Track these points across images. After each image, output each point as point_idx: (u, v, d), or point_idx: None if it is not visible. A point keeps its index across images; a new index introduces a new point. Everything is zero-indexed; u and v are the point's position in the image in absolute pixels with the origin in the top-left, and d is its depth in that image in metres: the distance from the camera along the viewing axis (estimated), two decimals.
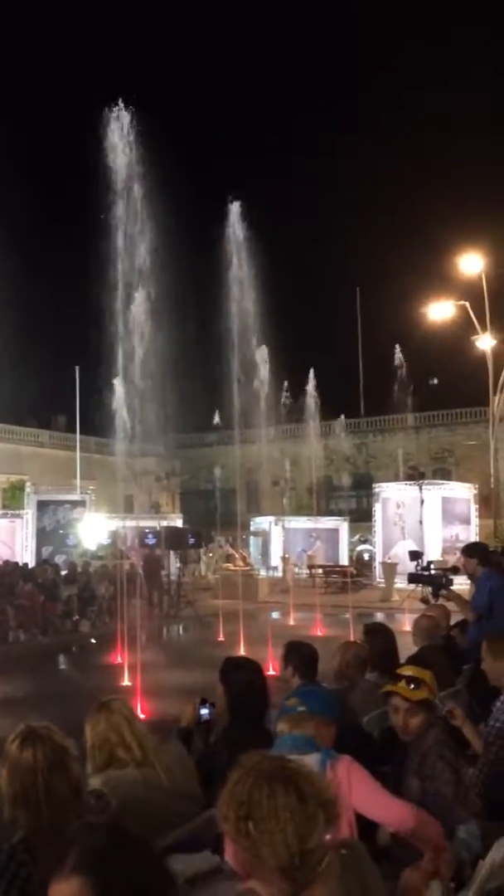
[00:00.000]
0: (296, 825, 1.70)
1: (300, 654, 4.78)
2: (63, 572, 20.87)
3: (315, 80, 68.63)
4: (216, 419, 42.28)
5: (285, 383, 39.92)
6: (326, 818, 1.77)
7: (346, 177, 56.59)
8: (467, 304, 23.97)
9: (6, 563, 20.96)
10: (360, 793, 2.78)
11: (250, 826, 1.71)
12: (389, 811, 2.83)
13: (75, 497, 27.31)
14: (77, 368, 31.91)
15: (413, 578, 8.65)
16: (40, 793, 2.48)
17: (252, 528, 31.68)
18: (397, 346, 41.95)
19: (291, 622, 18.35)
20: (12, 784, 2.51)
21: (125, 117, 20.61)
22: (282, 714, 3.22)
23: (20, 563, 21.56)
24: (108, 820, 1.68)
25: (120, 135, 20.68)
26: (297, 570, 27.02)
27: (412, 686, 3.54)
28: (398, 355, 43.56)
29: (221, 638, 15.11)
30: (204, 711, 3.92)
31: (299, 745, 2.77)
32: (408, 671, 3.72)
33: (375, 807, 2.82)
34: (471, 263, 24.39)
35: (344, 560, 28.74)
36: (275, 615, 20.45)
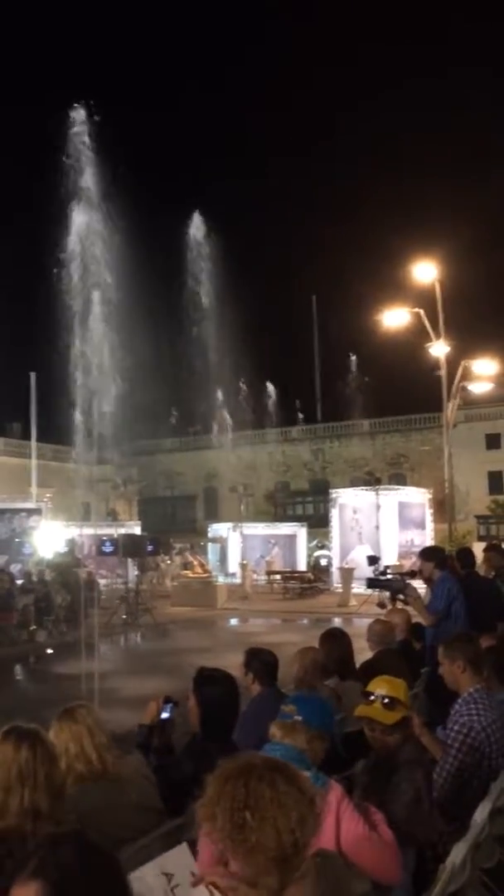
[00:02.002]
0: (298, 812, 1.71)
1: (260, 661, 4.80)
2: (19, 581, 20.55)
3: (264, 84, 69.00)
4: (173, 424, 42.17)
5: (243, 389, 40.05)
6: (315, 815, 1.79)
7: (305, 184, 57.02)
8: (421, 311, 24.31)
9: None
10: (349, 834, 2.62)
11: (247, 816, 1.69)
12: (378, 862, 2.65)
13: (31, 505, 26.93)
14: (33, 375, 31.47)
15: (372, 583, 8.71)
16: (29, 788, 2.55)
17: (210, 535, 31.62)
18: (352, 353, 42.41)
19: (250, 628, 18.36)
20: (2, 773, 2.58)
21: (83, 121, 20.55)
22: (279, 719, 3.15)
23: None
24: (74, 830, 1.66)
25: (81, 139, 20.62)
26: (255, 576, 27.04)
27: (388, 706, 3.39)
28: (354, 362, 43.98)
29: (180, 645, 15.04)
30: (165, 714, 3.89)
31: (290, 758, 2.57)
32: (382, 687, 3.49)
33: (363, 854, 2.62)
34: (425, 271, 24.76)
35: (302, 566, 28.84)
36: (233, 622, 20.45)
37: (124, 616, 19.49)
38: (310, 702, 3.27)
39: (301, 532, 30.69)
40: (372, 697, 3.47)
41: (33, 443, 32.77)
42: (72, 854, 1.48)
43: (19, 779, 2.59)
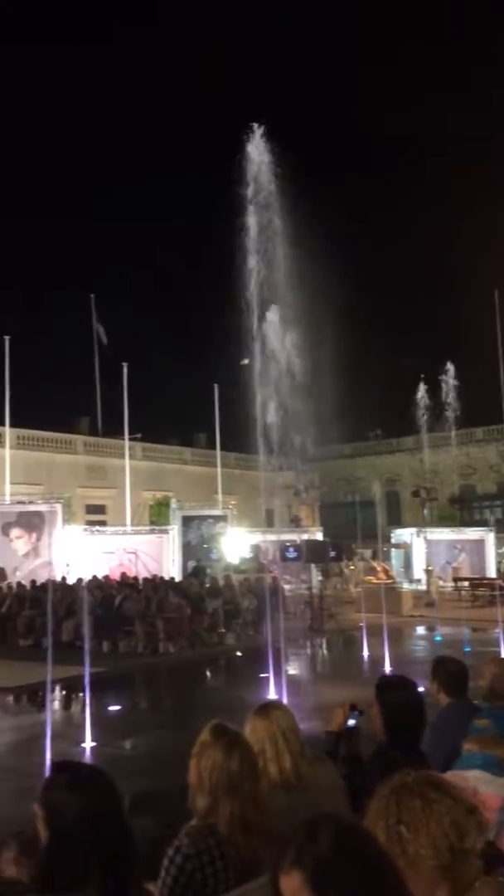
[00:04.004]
0: (451, 819, 1.71)
1: (447, 671, 4.67)
2: (206, 586, 21.40)
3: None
4: (353, 429, 42.05)
5: (423, 392, 39.16)
6: (477, 822, 1.77)
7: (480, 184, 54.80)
8: None
9: (154, 577, 21.76)
10: None
11: (402, 830, 1.72)
12: None
13: (217, 512, 27.94)
14: (216, 387, 32.71)
15: None
16: (239, 800, 2.61)
17: (393, 540, 31.18)
18: None
19: (438, 637, 17.87)
20: (210, 777, 2.65)
21: (260, 141, 21.10)
22: (471, 733, 3.07)
23: (167, 578, 22.34)
24: (328, 814, 1.74)
25: (257, 158, 21.21)
26: (441, 583, 26.31)
27: None
28: None
29: (366, 652, 14.94)
30: (351, 721, 3.89)
31: (490, 764, 2.53)
32: None
33: None
34: None
35: (491, 572, 27.69)
36: (420, 629, 20.01)
37: (309, 621, 19.68)
38: None
39: (489, 537, 29.48)
40: None
41: (218, 452, 33.99)
42: (328, 840, 1.54)
43: (229, 789, 2.62)
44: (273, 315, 27.33)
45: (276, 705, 3.36)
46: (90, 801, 2.19)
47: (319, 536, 28.98)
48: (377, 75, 65.74)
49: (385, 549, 30.86)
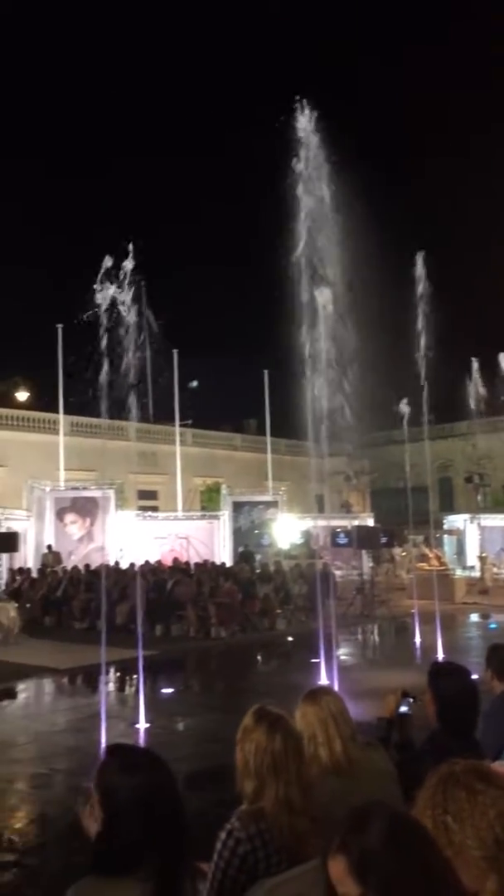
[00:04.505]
0: (498, 810, 1.71)
1: (501, 658, 4.62)
2: (257, 571, 21.50)
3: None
4: (405, 416, 41.60)
5: (475, 374, 38.46)
6: None
7: None
8: None
9: (206, 562, 21.96)
10: None
11: (448, 820, 1.72)
12: None
13: (268, 498, 28.00)
14: (266, 372, 32.68)
15: None
16: (283, 781, 2.62)
17: (446, 527, 30.82)
18: None
19: (492, 624, 17.64)
20: (255, 759, 2.67)
21: (308, 117, 20.96)
22: None
23: (218, 563, 22.51)
24: (379, 802, 1.76)
25: (307, 134, 21.05)
26: (495, 570, 25.93)
27: None
28: None
29: (418, 639, 14.84)
30: (403, 708, 3.88)
31: None
32: None
33: None
34: None
35: None
36: (473, 617, 19.78)
37: (360, 607, 19.62)
38: None
39: None
40: None
41: (268, 438, 34.00)
42: (376, 829, 1.57)
43: (273, 770, 2.64)
44: (324, 298, 27.12)
45: (325, 690, 3.36)
46: (144, 783, 2.23)
47: (370, 522, 28.81)
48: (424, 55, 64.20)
49: (437, 535, 30.53)
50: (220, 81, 65.83)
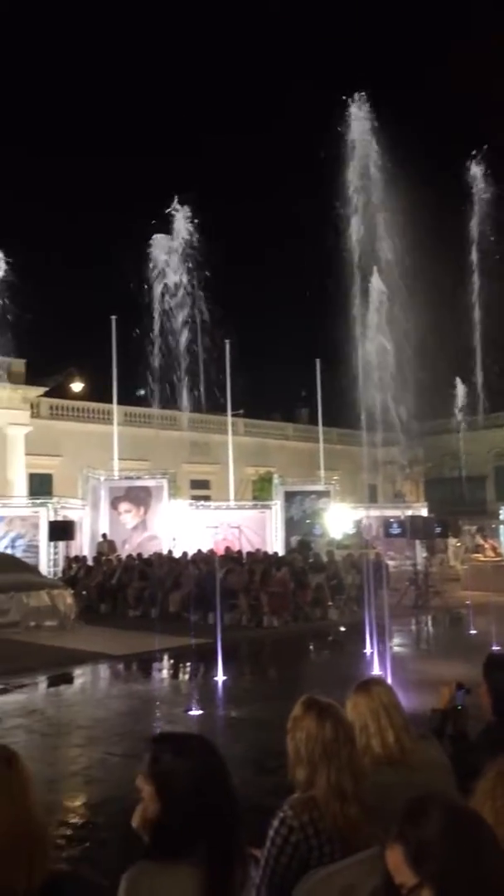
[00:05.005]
0: None
1: None
2: (309, 561, 21.48)
3: None
4: (461, 404, 40.89)
5: None
6: None
7: None
8: None
9: (257, 551, 22.03)
10: None
11: None
12: None
13: (320, 487, 27.92)
14: (318, 361, 32.55)
15: None
16: (335, 768, 2.64)
17: (502, 517, 30.29)
18: None
19: None
20: (306, 747, 2.70)
21: (362, 109, 20.72)
22: None
23: (270, 552, 22.56)
24: (439, 794, 1.77)
25: (359, 126, 20.87)
26: None
27: None
28: None
29: (473, 631, 14.65)
30: (458, 700, 3.84)
31: None
32: None
33: None
34: None
35: None
36: None
37: (414, 598, 19.45)
38: None
39: None
40: None
41: (320, 427, 33.87)
42: (433, 820, 1.59)
43: (324, 757, 2.66)
44: (376, 286, 26.80)
45: (377, 681, 3.35)
46: (198, 766, 2.26)
47: (424, 512, 28.50)
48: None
49: (493, 525, 30.04)
50: (271, 70, 65.43)
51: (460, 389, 39.56)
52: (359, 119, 21.31)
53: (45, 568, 21.21)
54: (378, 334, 28.93)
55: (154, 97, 62.47)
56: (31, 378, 30.53)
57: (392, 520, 23.64)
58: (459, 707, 3.82)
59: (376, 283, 28.48)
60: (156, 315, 29.18)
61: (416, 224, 24.40)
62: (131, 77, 64.54)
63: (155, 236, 27.64)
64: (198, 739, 2.45)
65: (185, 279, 28.65)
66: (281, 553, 22.88)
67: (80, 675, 12.28)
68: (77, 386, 37.61)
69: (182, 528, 24.22)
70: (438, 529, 22.82)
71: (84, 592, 19.34)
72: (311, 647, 15.34)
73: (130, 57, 63.39)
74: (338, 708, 2.84)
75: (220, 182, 63.00)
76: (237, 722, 9.09)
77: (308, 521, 26.38)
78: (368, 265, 27.03)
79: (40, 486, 28.73)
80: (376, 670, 10.67)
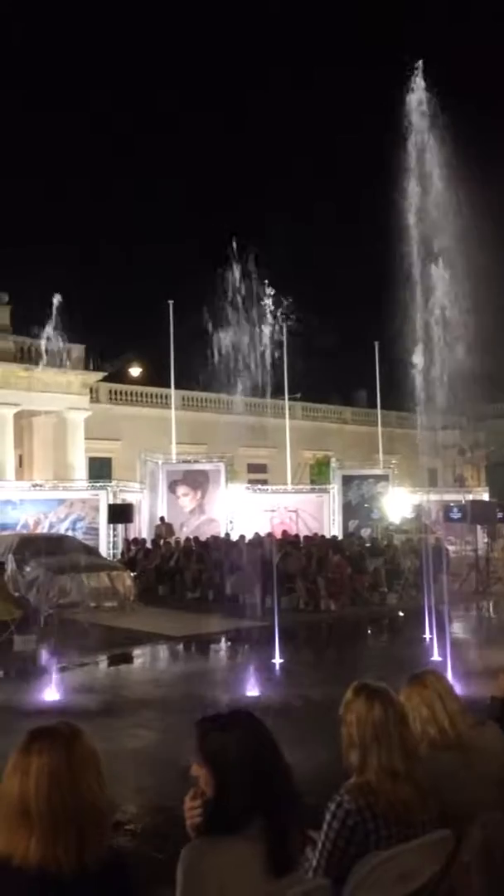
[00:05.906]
0: None
1: None
2: (367, 545, 21.35)
3: None
4: None
5: None
6: None
7: None
8: None
9: (315, 535, 21.98)
10: None
11: None
12: None
13: (378, 472, 27.67)
14: (376, 344, 32.15)
15: None
16: (385, 748, 2.66)
17: None
18: None
19: None
20: (358, 730, 2.71)
21: (419, 89, 20.30)
22: None
23: (328, 536, 22.49)
24: None
25: (419, 101, 20.45)
26: None
27: None
28: None
29: None
30: None
31: None
32: None
33: None
34: None
35: None
36: None
37: (475, 584, 19.15)
38: None
39: None
40: None
41: (378, 411, 33.52)
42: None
43: (375, 738, 2.68)
44: (437, 268, 26.27)
45: (429, 671, 3.37)
46: (245, 736, 2.29)
47: (486, 497, 27.97)
48: None
49: None
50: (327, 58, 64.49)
51: None
52: (416, 100, 20.89)
53: (104, 550, 21.58)
54: (438, 316, 28.41)
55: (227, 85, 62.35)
56: (90, 363, 30.99)
57: (452, 504, 23.26)
58: None
59: (438, 264, 27.95)
60: (214, 299, 29.26)
61: (480, 205, 23.82)
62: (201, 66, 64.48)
63: None
64: (243, 713, 2.46)
65: (243, 266, 28.64)
66: (339, 537, 22.79)
67: (139, 656, 12.47)
68: (135, 371, 38.04)
69: (239, 511, 24.31)
70: (500, 515, 22.39)
71: (143, 574, 19.61)
72: (369, 632, 15.27)
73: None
74: (388, 690, 2.85)
75: (278, 169, 62.61)
76: (294, 705, 9.11)
77: (366, 505, 26.18)
78: (430, 244, 26.55)
79: (100, 469, 29.18)
80: (435, 656, 10.55)
